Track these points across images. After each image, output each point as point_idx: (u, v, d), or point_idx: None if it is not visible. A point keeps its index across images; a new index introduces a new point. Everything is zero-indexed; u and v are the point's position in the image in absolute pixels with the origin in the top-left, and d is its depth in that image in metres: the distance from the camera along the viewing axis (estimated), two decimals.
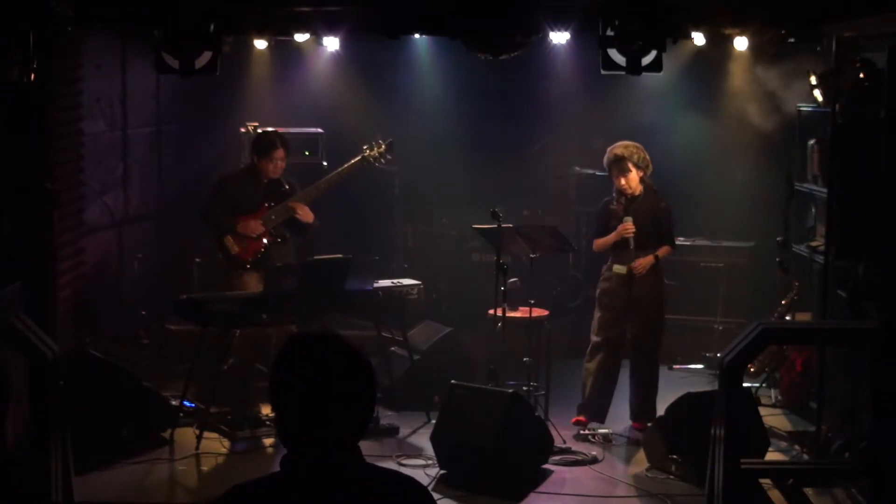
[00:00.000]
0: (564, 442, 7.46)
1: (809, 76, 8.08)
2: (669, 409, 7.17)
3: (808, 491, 5.89)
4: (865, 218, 6.10)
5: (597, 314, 7.95)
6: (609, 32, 6.53)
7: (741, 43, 7.86)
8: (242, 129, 9.59)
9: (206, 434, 7.40)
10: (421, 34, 8.41)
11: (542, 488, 6.84)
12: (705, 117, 10.29)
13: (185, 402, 7.66)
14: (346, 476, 2.46)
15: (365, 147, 8.35)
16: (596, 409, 7.85)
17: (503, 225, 7.70)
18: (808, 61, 8.22)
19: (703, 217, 10.01)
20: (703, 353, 9.56)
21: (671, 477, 6.97)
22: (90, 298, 8.67)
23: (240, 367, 8.01)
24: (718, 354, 6.79)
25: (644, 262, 7.69)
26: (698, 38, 7.71)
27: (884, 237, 5.75)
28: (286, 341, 2.54)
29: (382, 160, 8.41)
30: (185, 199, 9.63)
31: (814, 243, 8.39)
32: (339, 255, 7.83)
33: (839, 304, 7.03)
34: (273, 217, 8.00)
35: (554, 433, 7.31)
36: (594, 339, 7.90)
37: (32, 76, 6.45)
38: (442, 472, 6.97)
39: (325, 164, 9.49)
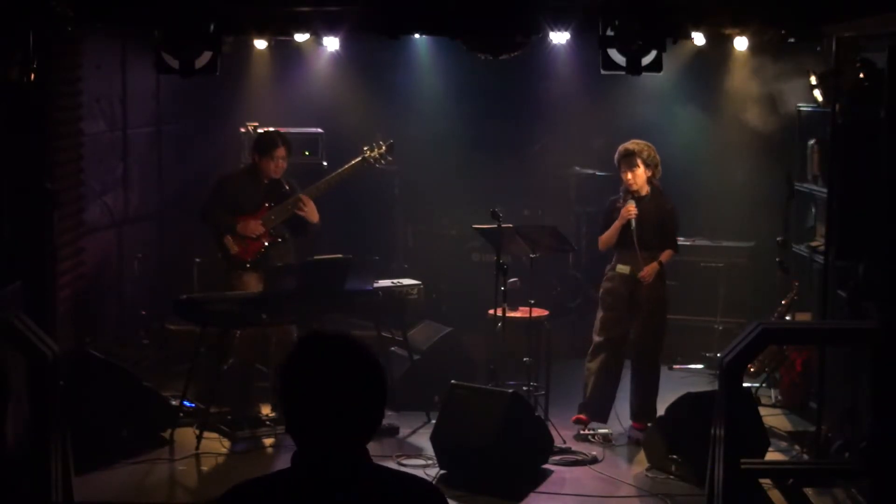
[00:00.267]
0: (564, 442, 7.46)
1: (809, 76, 8.09)
2: (669, 409, 7.17)
3: (808, 491, 5.89)
4: (865, 218, 6.10)
5: (599, 314, 7.95)
6: (609, 32, 6.53)
7: (741, 43, 7.86)
8: (242, 129, 9.59)
9: (206, 434, 7.40)
10: (421, 34, 8.41)
11: (542, 488, 6.84)
12: (705, 117, 10.29)
13: (185, 402, 7.66)
14: (354, 476, 2.46)
15: (365, 148, 8.35)
16: (598, 408, 7.85)
17: (503, 225, 7.70)
18: (808, 61, 8.22)
19: (703, 217, 10.01)
20: (703, 353, 9.56)
21: (671, 477, 6.97)
22: (90, 298, 8.67)
23: (240, 367, 8.01)
24: (718, 354, 6.79)
25: (650, 269, 7.69)
26: (698, 38, 7.71)
27: (884, 237, 5.75)
28: (298, 340, 2.54)
29: (383, 161, 8.40)
30: (185, 199, 9.64)
31: (814, 243, 8.39)
32: (339, 255, 7.82)
33: (839, 304, 7.03)
34: (273, 217, 8.00)
35: (554, 433, 7.31)
36: (596, 338, 7.90)
37: (32, 76, 6.45)
38: (442, 472, 6.97)
39: (325, 164, 9.48)
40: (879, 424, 5.48)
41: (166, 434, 7.47)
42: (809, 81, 8.12)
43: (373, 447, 2.55)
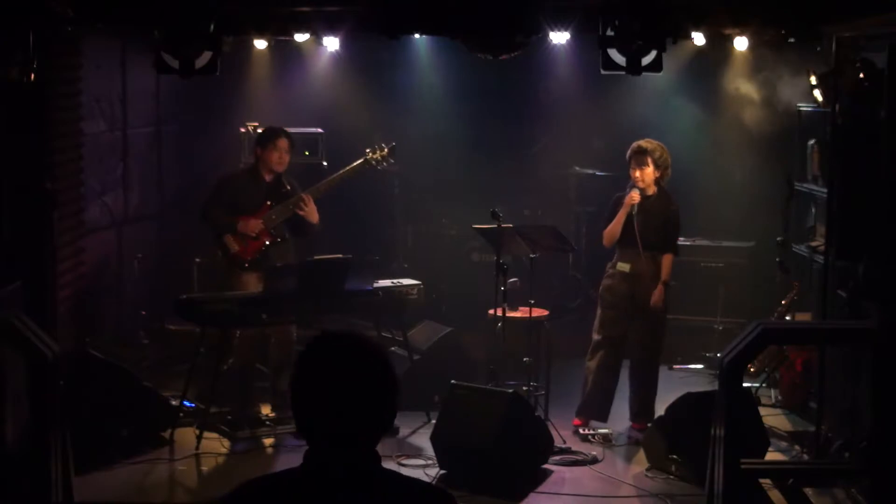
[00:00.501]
0: (564, 442, 7.46)
1: (809, 76, 8.08)
2: (669, 409, 7.17)
3: (808, 491, 5.89)
4: (865, 218, 6.10)
5: (599, 312, 7.95)
6: (609, 32, 6.52)
7: (741, 43, 7.86)
8: (242, 129, 9.58)
9: (206, 434, 7.40)
10: (421, 34, 8.40)
11: (542, 488, 6.84)
12: (705, 117, 10.29)
13: (185, 402, 7.66)
14: (364, 476, 2.47)
15: (367, 150, 8.35)
16: (597, 407, 7.86)
17: (503, 225, 7.70)
18: (808, 61, 8.22)
19: (702, 217, 10.00)
20: (703, 353, 9.55)
21: (671, 477, 6.97)
22: (90, 298, 8.67)
23: (240, 367, 8.01)
24: (718, 354, 6.79)
25: (659, 295, 7.71)
26: (698, 38, 7.70)
27: (884, 237, 5.75)
28: (311, 339, 2.53)
29: (385, 163, 8.40)
30: (185, 199, 9.64)
31: (814, 243, 8.39)
32: (339, 255, 7.82)
33: (839, 304, 7.03)
34: (274, 217, 8.00)
35: (554, 433, 7.31)
36: (595, 337, 7.90)
37: (32, 76, 6.46)
38: (442, 472, 6.97)
39: (325, 164, 9.48)
40: (879, 424, 5.48)
41: (166, 434, 7.47)
42: (809, 81, 8.12)
43: None
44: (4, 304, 5.90)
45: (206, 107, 10.10)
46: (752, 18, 7.18)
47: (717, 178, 10.22)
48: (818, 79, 7.78)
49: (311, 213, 8.00)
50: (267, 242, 7.98)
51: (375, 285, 8.09)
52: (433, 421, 7.33)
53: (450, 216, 10.62)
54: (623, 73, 6.65)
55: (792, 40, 7.61)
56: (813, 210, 8.69)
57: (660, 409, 7.48)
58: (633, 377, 7.95)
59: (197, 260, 9.21)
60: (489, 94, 10.49)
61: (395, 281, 8.43)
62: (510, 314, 7.88)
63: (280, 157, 7.99)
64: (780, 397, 8.50)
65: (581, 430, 7.73)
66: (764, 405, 8.21)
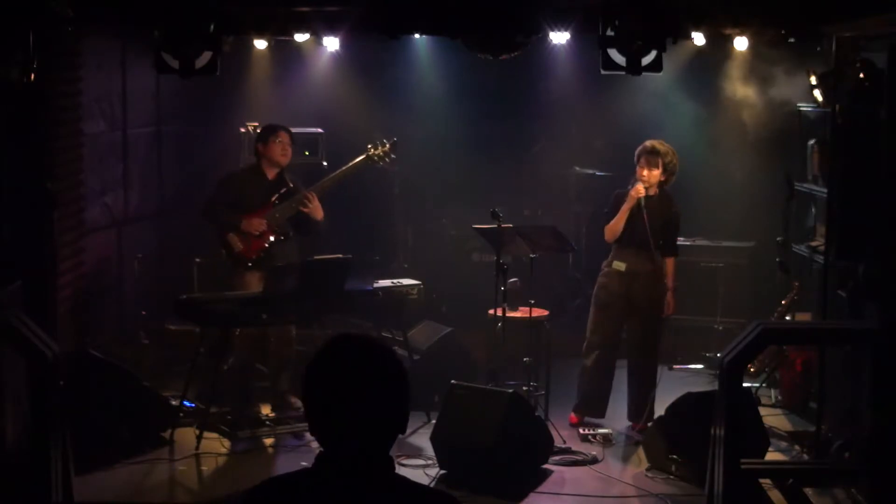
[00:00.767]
0: (564, 442, 7.47)
1: (809, 76, 8.09)
2: (669, 409, 7.17)
3: (808, 491, 5.88)
4: (865, 218, 6.10)
5: (592, 311, 7.96)
6: (609, 32, 6.52)
7: (741, 43, 7.86)
8: (242, 129, 9.59)
9: (206, 434, 7.39)
10: (421, 34, 8.41)
11: (542, 488, 6.84)
12: (705, 117, 10.28)
13: (185, 402, 7.66)
14: (377, 478, 2.47)
15: (369, 146, 8.35)
16: (594, 404, 7.90)
17: (503, 225, 7.70)
18: (808, 61, 8.22)
19: (702, 217, 10.00)
20: (703, 353, 9.56)
21: (671, 477, 6.97)
22: (90, 298, 8.66)
23: (240, 367, 8.01)
24: (718, 354, 6.79)
25: (671, 302, 7.84)
26: (698, 38, 7.70)
27: (884, 237, 5.75)
28: (324, 342, 2.54)
29: (387, 159, 8.41)
30: (185, 199, 9.63)
31: (814, 243, 8.39)
32: (339, 255, 7.82)
33: (839, 304, 7.03)
34: (278, 215, 8.00)
35: (554, 433, 7.31)
36: (590, 336, 7.92)
37: (32, 76, 6.45)
38: (442, 472, 6.97)
39: (325, 164, 9.49)
40: (879, 424, 5.48)
41: (166, 434, 7.47)
42: (809, 81, 8.12)
43: None
44: (4, 304, 5.90)
45: (206, 107, 10.09)
46: (752, 18, 7.18)
47: (717, 178, 10.22)
48: (818, 79, 7.79)
49: (316, 209, 8.01)
50: (271, 239, 7.98)
51: (375, 285, 8.10)
52: (433, 421, 7.33)
53: (450, 216, 10.62)
54: (623, 73, 6.64)
55: (792, 40, 7.61)
56: (813, 210, 8.69)
57: (660, 409, 7.48)
58: (632, 377, 7.95)
59: (197, 260, 9.21)
60: (489, 94, 10.49)
61: (395, 281, 8.43)
62: (510, 314, 7.88)
63: (283, 150, 8.01)
64: (780, 397, 8.51)
65: (581, 431, 7.73)
66: (764, 405, 8.21)
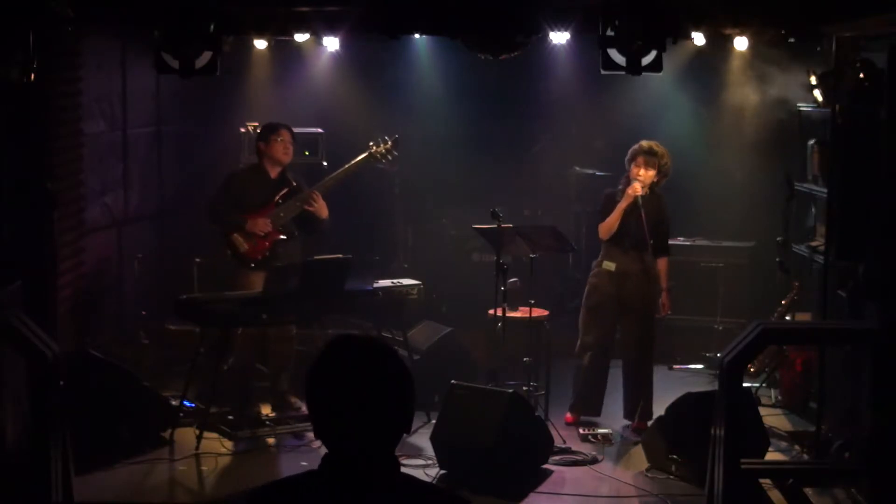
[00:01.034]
0: (564, 442, 7.47)
1: (809, 76, 8.09)
2: (669, 409, 7.17)
3: (808, 491, 5.88)
4: (865, 218, 6.10)
5: (583, 311, 7.96)
6: (609, 32, 6.52)
7: (741, 43, 7.86)
8: (242, 129, 9.58)
9: (206, 434, 7.39)
10: (421, 34, 8.41)
11: (542, 488, 6.84)
12: (705, 117, 10.28)
13: (185, 402, 7.66)
14: (382, 479, 2.47)
15: (371, 144, 8.36)
16: (589, 403, 7.91)
17: (503, 225, 7.70)
18: (808, 61, 8.22)
19: (702, 217, 10.00)
20: (703, 353, 9.56)
21: (671, 477, 6.97)
22: (90, 298, 8.66)
23: (240, 367, 8.01)
24: (718, 354, 6.79)
25: (667, 303, 7.88)
26: (698, 38, 7.71)
27: (884, 237, 5.75)
28: (327, 343, 2.54)
29: (389, 157, 8.41)
30: (185, 199, 9.63)
31: (814, 243, 8.39)
32: (340, 255, 7.82)
33: (839, 304, 7.03)
34: (282, 214, 8.00)
35: (554, 433, 7.32)
36: (583, 336, 7.94)
37: (32, 76, 6.45)
38: (442, 472, 6.97)
39: (325, 164, 9.48)
40: (879, 424, 5.48)
41: (166, 434, 7.47)
42: (809, 81, 8.12)
43: None
44: (4, 304, 5.90)
45: (206, 107, 10.09)
46: (752, 18, 7.18)
47: (717, 178, 10.21)
48: (818, 79, 7.79)
49: (321, 208, 8.01)
50: (278, 237, 7.98)
51: (375, 285, 8.09)
52: (433, 421, 7.33)
53: (450, 216, 10.62)
54: (623, 73, 6.65)
55: (792, 40, 7.61)
56: (813, 210, 8.69)
57: (660, 409, 7.48)
58: (628, 378, 7.96)
59: (197, 260, 9.21)
60: (489, 94, 10.48)
61: (395, 281, 8.43)
62: (510, 314, 7.88)
63: (285, 148, 8.01)
64: (780, 397, 8.51)
65: (581, 430, 7.74)
66: (764, 405, 8.21)
